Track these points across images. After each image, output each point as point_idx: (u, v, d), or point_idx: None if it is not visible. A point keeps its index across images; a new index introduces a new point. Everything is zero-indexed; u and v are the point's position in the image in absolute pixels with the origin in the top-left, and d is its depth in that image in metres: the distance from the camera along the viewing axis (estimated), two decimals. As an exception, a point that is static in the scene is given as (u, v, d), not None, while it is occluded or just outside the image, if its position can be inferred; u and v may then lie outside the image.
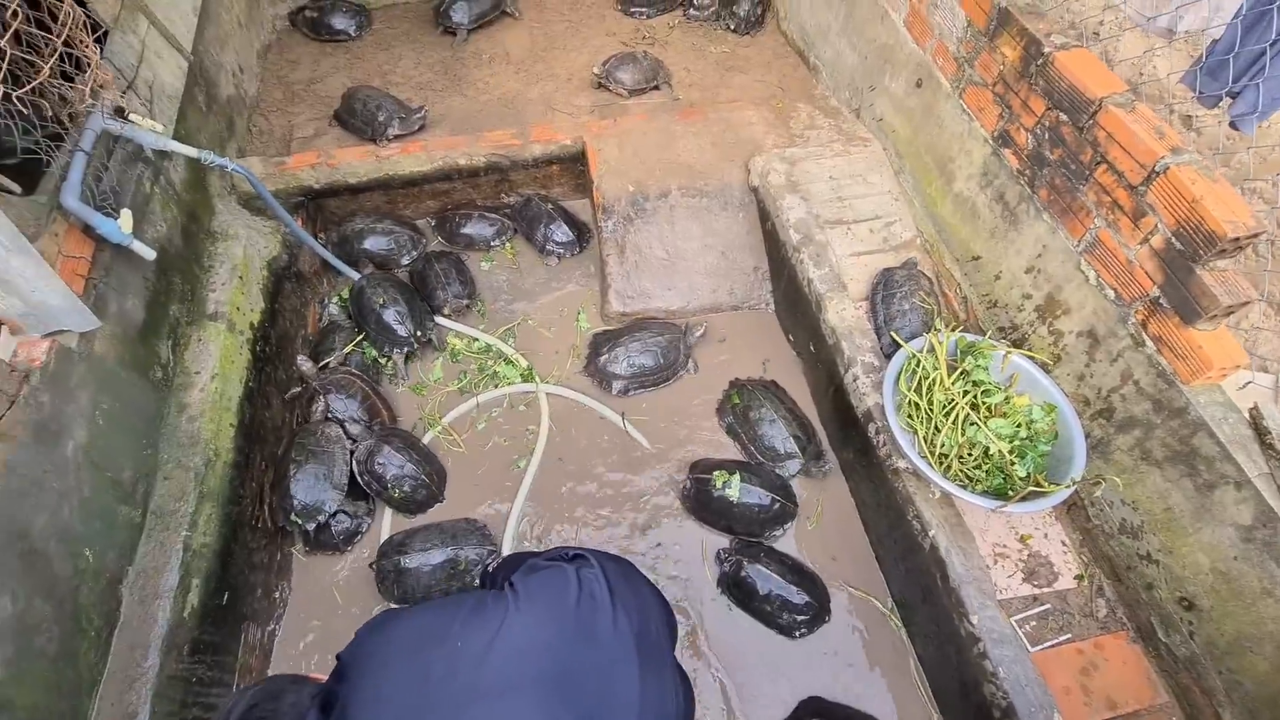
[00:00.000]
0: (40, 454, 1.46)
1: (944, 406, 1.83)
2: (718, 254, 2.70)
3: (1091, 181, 1.68)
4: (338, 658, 1.10)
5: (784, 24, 3.34)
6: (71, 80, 1.68)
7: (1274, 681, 1.44)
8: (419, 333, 2.49)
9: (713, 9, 3.42)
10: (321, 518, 2.07)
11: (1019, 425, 1.77)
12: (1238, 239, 1.37)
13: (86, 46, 1.46)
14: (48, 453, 1.48)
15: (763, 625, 2.03)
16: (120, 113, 1.85)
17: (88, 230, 1.73)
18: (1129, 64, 2.20)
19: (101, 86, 1.53)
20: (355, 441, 2.22)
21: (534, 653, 1.02)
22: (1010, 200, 1.98)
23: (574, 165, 2.90)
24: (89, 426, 1.61)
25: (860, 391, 2.04)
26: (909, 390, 1.88)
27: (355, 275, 2.62)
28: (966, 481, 1.77)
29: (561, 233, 2.83)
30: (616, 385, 2.47)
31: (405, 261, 2.79)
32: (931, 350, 1.91)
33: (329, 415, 2.26)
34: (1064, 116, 1.73)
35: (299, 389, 2.38)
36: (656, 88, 3.07)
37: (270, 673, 1.95)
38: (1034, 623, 1.75)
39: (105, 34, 2.01)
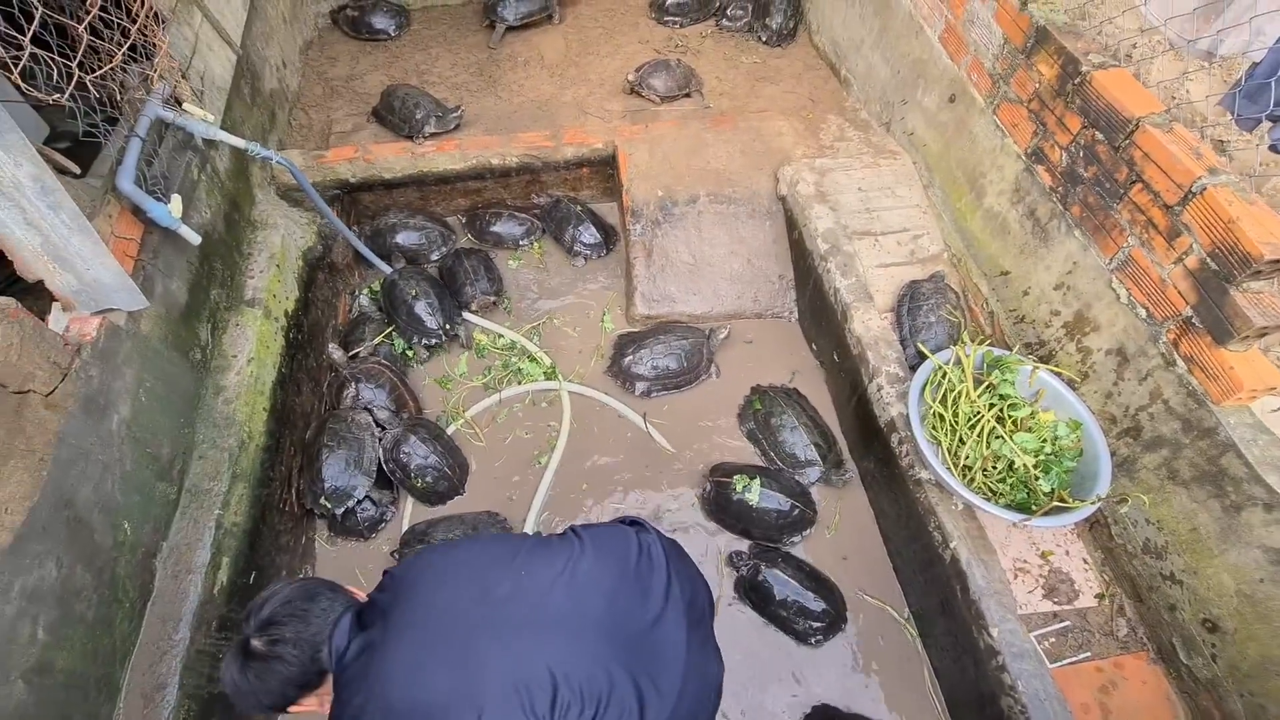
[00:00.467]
0: (88, 426, 1.50)
1: (969, 419, 1.83)
2: (743, 261, 2.73)
3: (1126, 200, 1.69)
4: (386, 573, 1.14)
5: (816, 37, 3.38)
6: (130, 65, 1.74)
7: (1298, 707, 1.43)
8: (448, 326, 2.53)
9: (745, 20, 3.46)
10: (350, 502, 2.11)
11: (1044, 440, 1.77)
12: (1275, 260, 1.37)
13: (156, 35, 1.52)
14: (95, 425, 1.53)
15: (778, 630, 2.04)
16: (175, 101, 1.91)
17: (138, 213, 1.78)
18: (1162, 86, 2.21)
19: (165, 73, 1.58)
20: (383, 429, 2.26)
21: (596, 597, 1.07)
22: (1041, 217, 1.99)
23: (604, 168, 2.95)
24: (132, 402, 1.66)
25: (884, 402, 2.05)
26: (934, 402, 1.89)
27: (388, 269, 2.67)
28: (989, 494, 1.78)
29: (589, 234, 2.87)
30: (639, 386, 2.49)
31: (435, 257, 2.84)
32: (958, 363, 1.92)
33: (358, 403, 2.30)
34: (1100, 135, 1.74)
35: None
36: (688, 95, 3.11)
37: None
38: (1053, 639, 1.75)
39: (163, 20, 2.07)
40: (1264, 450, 1.45)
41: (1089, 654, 1.73)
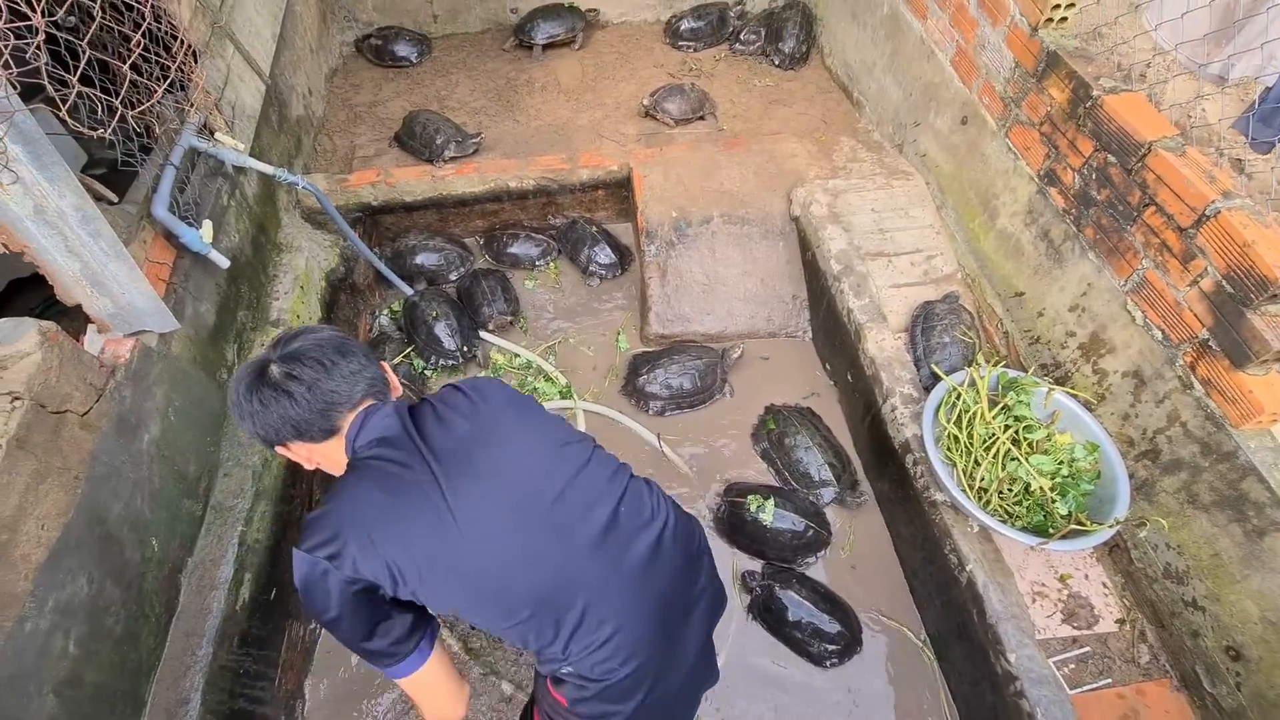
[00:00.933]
0: (120, 444, 1.55)
1: (984, 441, 1.83)
2: (757, 281, 2.75)
3: (1139, 222, 1.69)
4: (455, 388, 1.21)
5: (828, 60, 3.42)
6: (166, 97, 1.82)
7: (1328, 739, 1.40)
8: (465, 348, 2.58)
9: (759, 44, 3.52)
10: None
11: (1061, 463, 1.76)
12: (1291, 284, 1.37)
13: (193, 71, 1.59)
14: (126, 444, 1.58)
15: (792, 652, 2.03)
16: (208, 131, 1.99)
17: (171, 238, 1.85)
18: (1177, 108, 2.21)
19: (201, 106, 1.65)
20: None
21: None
22: (1055, 238, 1.99)
23: (619, 190, 3.00)
24: (162, 421, 1.71)
25: (899, 422, 2.05)
26: (949, 424, 1.89)
27: (409, 290, 2.74)
28: (1006, 517, 1.77)
29: (604, 255, 2.91)
30: (654, 405, 2.51)
31: (453, 277, 2.90)
32: (972, 384, 1.92)
33: None
34: (1112, 158, 1.75)
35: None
36: (702, 118, 3.16)
37: (310, 669, 2.01)
38: (1073, 665, 1.72)
39: (198, 55, 2.16)
40: (1285, 475, 1.44)
41: (1110, 680, 1.70)
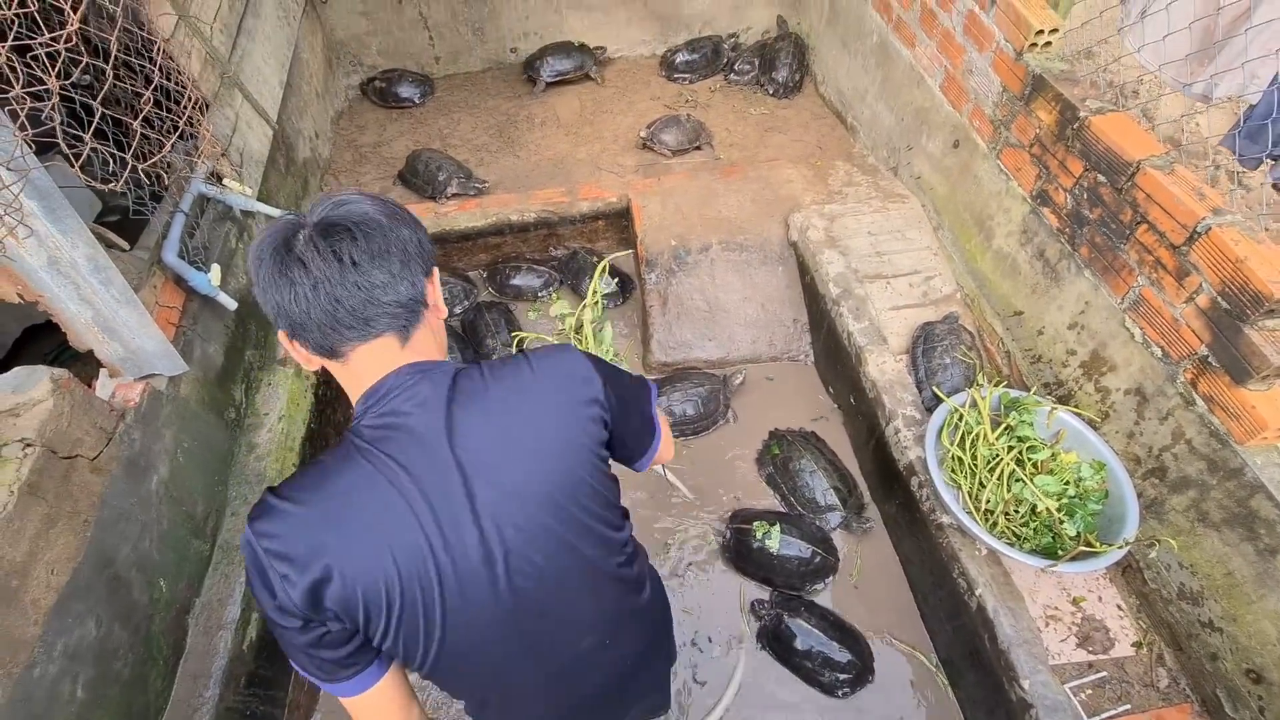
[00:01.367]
0: (129, 487, 1.58)
1: (988, 462, 1.82)
2: (757, 306, 2.77)
3: (1132, 240, 1.70)
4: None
5: (821, 87, 3.48)
6: (176, 147, 1.89)
7: (1356, 765, 1.36)
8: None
9: (753, 74, 3.59)
10: None
11: (1067, 482, 1.75)
12: (1286, 299, 1.37)
13: (201, 124, 1.65)
14: (135, 486, 1.60)
15: (803, 682, 2.00)
16: (216, 177, 2.05)
17: (180, 282, 1.90)
18: (1173, 123, 2.24)
19: (209, 155, 1.71)
20: None
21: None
22: (1051, 257, 2.00)
23: (619, 221, 3.04)
24: (170, 463, 1.74)
25: (902, 445, 2.04)
26: (952, 445, 1.88)
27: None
28: (1014, 539, 1.75)
29: (605, 285, 2.94)
30: (657, 433, 2.52)
31: (458, 311, 2.94)
32: (974, 405, 1.91)
33: None
34: (1102, 178, 1.77)
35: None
36: (699, 148, 3.22)
37: (318, 709, 2.00)
38: (1089, 691, 1.69)
39: (207, 106, 2.24)
40: (1294, 491, 1.42)
41: (1128, 706, 1.66)
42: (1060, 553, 1.68)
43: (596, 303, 2.07)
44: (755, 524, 2.15)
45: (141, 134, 1.39)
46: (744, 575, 2.21)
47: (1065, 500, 1.73)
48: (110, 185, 1.37)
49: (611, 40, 3.70)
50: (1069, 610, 1.81)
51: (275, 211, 2.16)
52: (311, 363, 0.85)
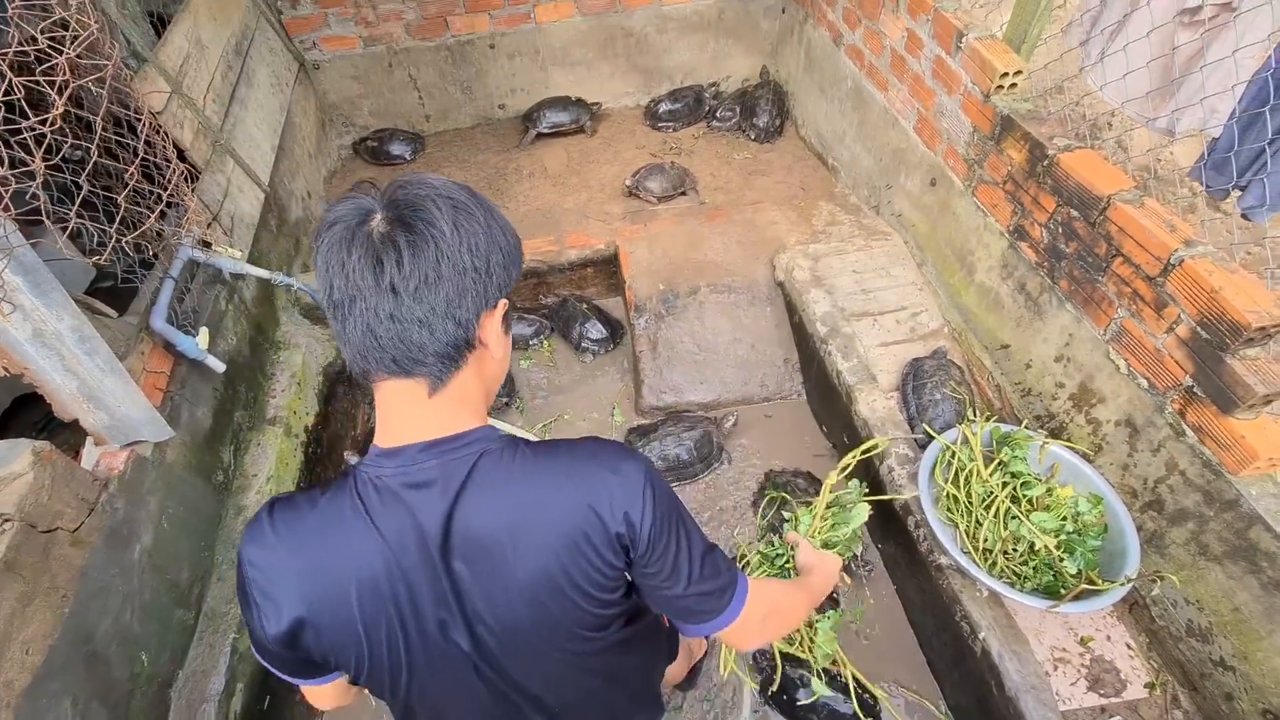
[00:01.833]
0: (111, 558, 1.56)
1: (984, 499, 1.80)
2: (747, 347, 2.78)
3: (1110, 273, 1.72)
4: None
5: (802, 130, 3.57)
6: (165, 217, 1.93)
7: (1386, 811, 1.30)
8: None
9: (735, 120, 3.68)
10: None
11: (1064, 518, 1.72)
12: (1264, 328, 1.37)
13: (186, 195, 1.69)
14: (117, 557, 1.58)
15: (809, 736, 1.92)
16: (205, 243, 2.09)
17: (169, 347, 1.91)
18: (1148, 153, 2.28)
19: (195, 225, 1.74)
20: None
21: None
22: (1032, 291, 2.01)
23: (607, 267, 3.08)
24: (155, 530, 1.72)
25: (896, 484, 2.02)
26: (945, 483, 1.86)
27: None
28: (1014, 579, 1.71)
29: (596, 330, 2.96)
30: (651, 479, 2.49)
31: (449, 362, 2.95)
32: (966, 441, 1.90)
33: None
34: (1075, 212, 1.79)
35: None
36: (684, 193, 3.28)
37: (305, 783, 1.93)
38: (1104, 737, 1.62)
39: (198, 174, 2.30)
40: (1292, 522, 1.40)
41: (1146, 753, 1.60)
42: (1063, 591, 1.64)
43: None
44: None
45: (126, 207, 1.42)
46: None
47: (1064, 537, 1.70)
48: (96, 258, 1.39)
49: (596, 93, 3.81)
50: (1077, 651, 1.76)
51: (264, 274, 2.19)
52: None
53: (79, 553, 1.47)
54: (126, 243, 1.44)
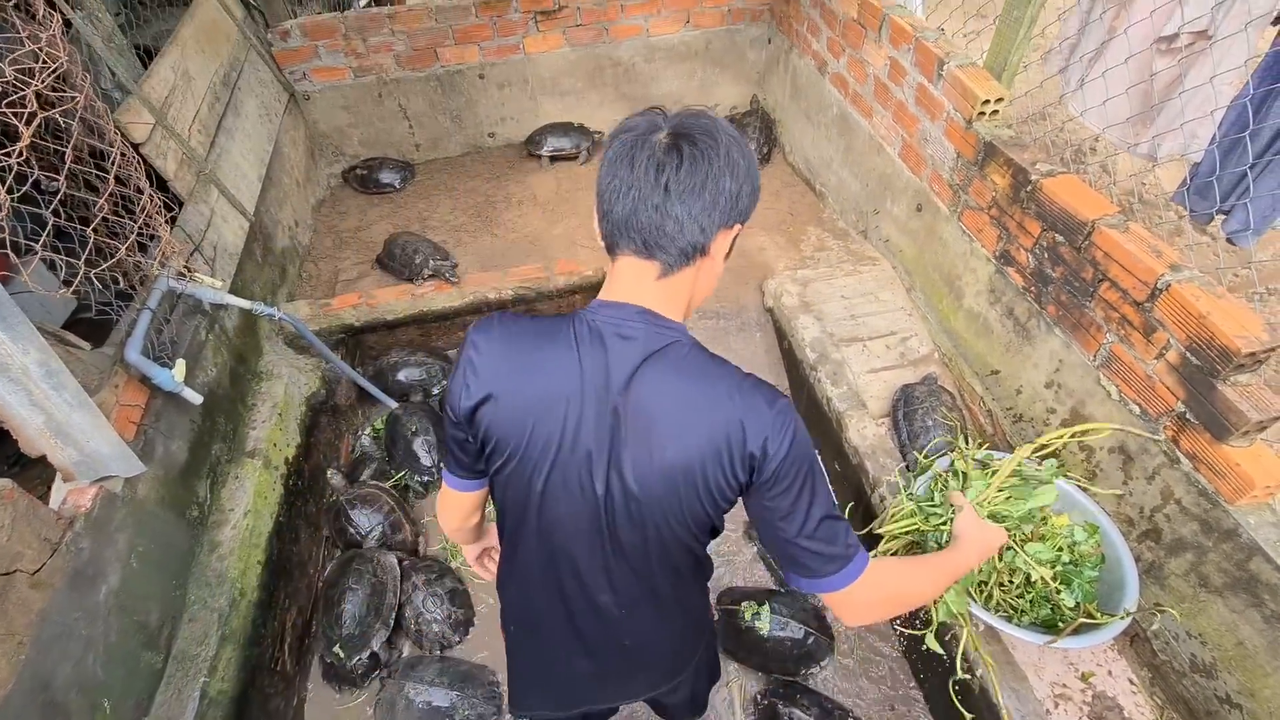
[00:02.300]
0: (74, 601, 1.50)
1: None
2: (737, 373, 2.75)
3: (1097, 298, 1.70)
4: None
5: (790, 157, 3.59)
6: (146, 248, 1.91)
7: None
8: (441, 464, 2.56)
9: (723, 147, 3.70)
10: (365, 653, 2.04)
11: (1060, 549, 1.67)
12: (1254, 354, 1.35)
13: (160, 228, 1.67)
14: (80, 599, 1.52)
15: (804, 779, 1.85)
16: (186, 271, 2.06)
17: (144, 379, 1.87)
18: (1133, 177, 2.29)
19: (170, 256, 1.72)
20: (408, 565, 2.23)
21: None
22: (1020, 316, 2.00)
23: (596, 293, 3.05)
24: (123, 570, 1.66)
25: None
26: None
27: (393, 404, 2.75)
28: (1011, 612, 1.66)
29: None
30: (640, 509, 2.44)
31: (436, 391, 2.91)
32: (957, 470, 1.86)
33: (358, 533, 2.30)
34: (1060, 237, 1.78)
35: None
36: (672, 220, 3.28)
37: (277, 835, 1.84)
38: (1109, 779, 1.56)
39: (181, 204, 2.28)
40: (1292, 552, 1.36)
41: (1153, 796, 1.53)
42: (1061, 625, 1.59)
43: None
44: (744, 604, 2.06)
45: (96, 239, 1.40)
46: (733, 659, 2.09)
47: (1060, 568, 1.65)
48: (63, 291, 1.36)
49: (585, 121, 3.84)
50: (1078, 688, 1.70)
51: (245, 304, 2.16)
52: (599, 239, 0.92)
53: (39, 596, 1.41)
54: (98, 275, 1.40)
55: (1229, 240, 1.55)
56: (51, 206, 1.29)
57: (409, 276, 2.94)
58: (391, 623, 2.11)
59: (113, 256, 1.45)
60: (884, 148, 2.62)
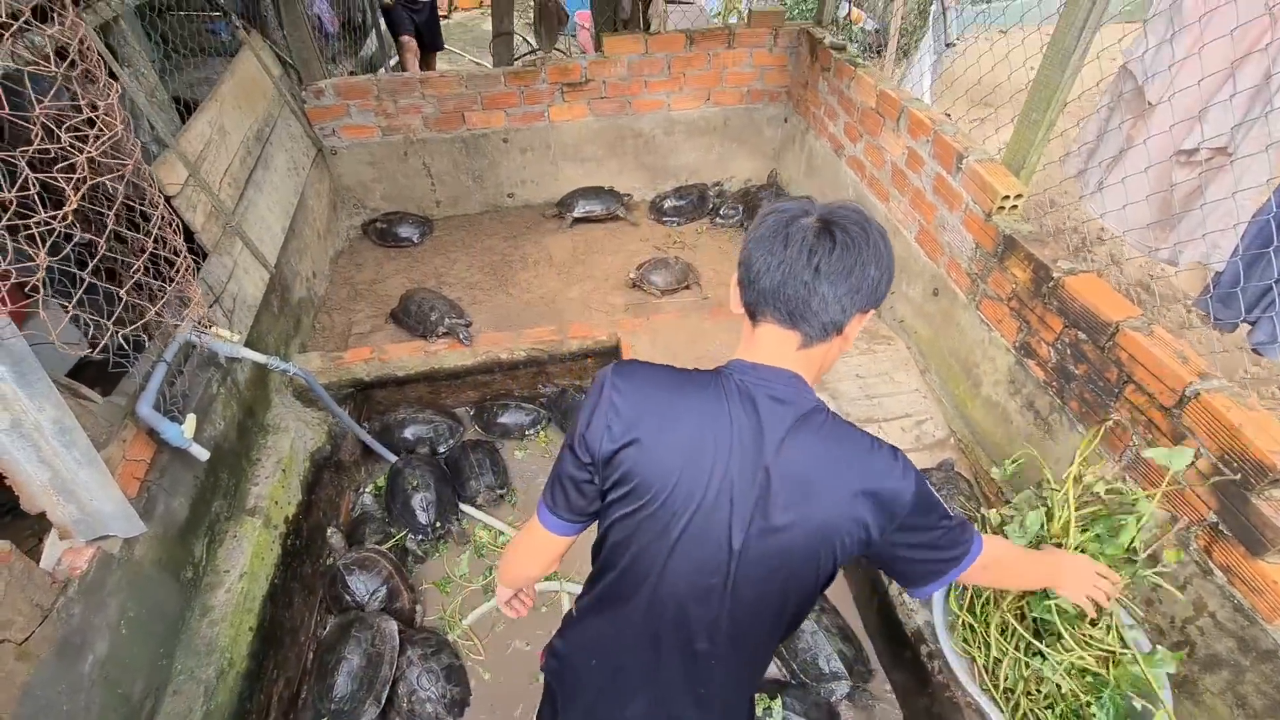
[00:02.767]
0: (59, 672, 1.42)
1: (1001, 629, 1.69)
2: (749, 446, 2.72)
3: (1122, 399, 1.70)
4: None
5: (803, 231, 3.66)
6: (169, 304, 1.90)
7: None
8: (438, 523, 2.51)
9: (738, 218, 3.78)
10: None
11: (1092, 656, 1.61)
12: (1289, 470, 1.33)
13: (191, 287, 1.66)
14: (66, 670, 1.44)
15: None
16: (204, 325, 2.05)
17: (152, 434, 1.83)
18: (1144, 268, 2.33)
19: (199, 319, 1.71)
20: (404, 637, 2.14)
21: None
22: (1041, 409, 1.99)
23: (608, 358, 3.05)
24: (111, 638, 1.58)
25: (908, 607, 1.91)
26: (960, 610, 1.76)
27: (393, 458, 2.71)
28: (1039, 725, 1.59)
29: (595, 422, 2.90)
30: (647, 586, 2.37)
31: (443, 450, 2.86)
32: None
33: (354, 600, 2.21)
34: (1083, 335, 1.79)
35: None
36: (687, 287, 3.32)
37: None
38: None
39: (206, 255, 2.29)
40: (1337, 680, 1.31)
41: None
42: (1092, 744, 1.52)
43: None
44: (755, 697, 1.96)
45: (129, 301, 1.39)
46: (743, 758, 1.98)
47: (1091, 678, 1.59)
48: (89, 352, 1.34)
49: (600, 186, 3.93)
50: (1110, 810, 1.61)
51: (262, 358, 2.15)
52: (734, 308, 0.99)
53: (25, 667, 1.34)
54: (125, 335, 1.39)
55: (1255, 350, 1.56)
56: (90, 267, 1.29)
57: (423, 334, 2.94)
58: (384, 699, 2.00)
59: (143, 317, 1.44)
60: (900, 231, 2.67)
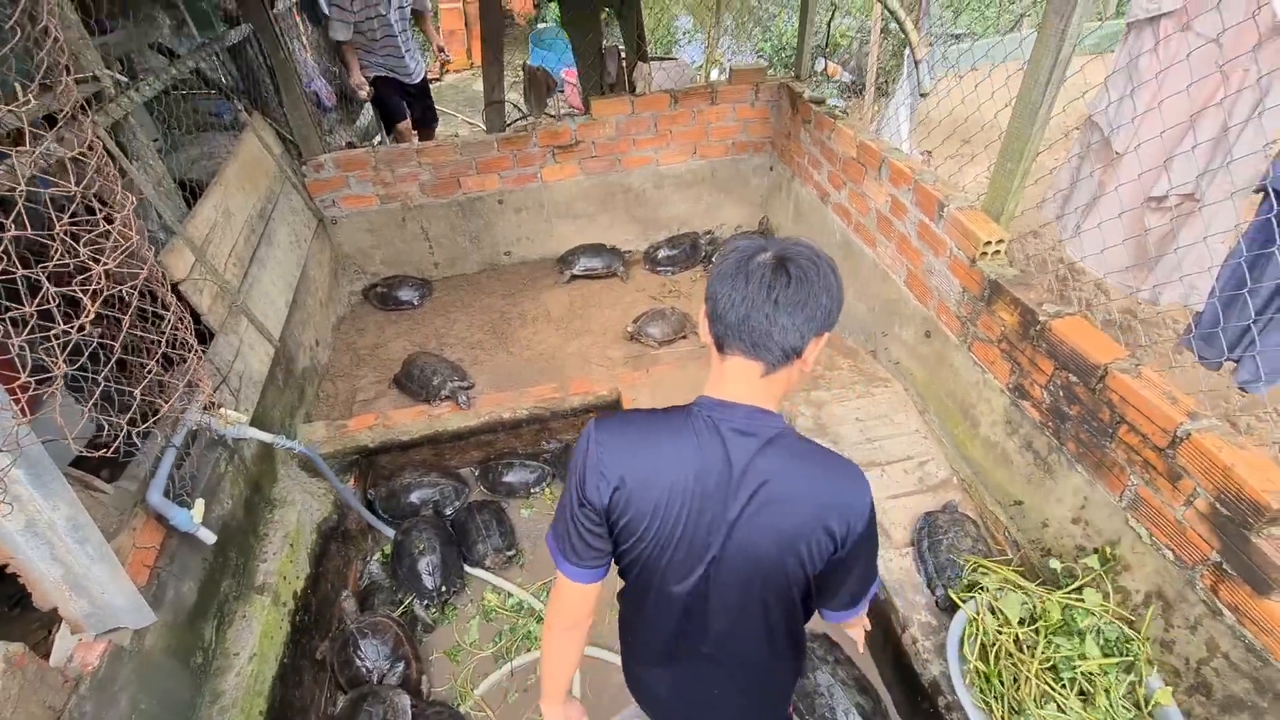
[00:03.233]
0: (69, 776, 1.41)
1: (1015, 677, 1.68)
2: (754, 495, 2.72)
3: (1117, 439, 1.72)
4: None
5: (794, 275, 3.73)
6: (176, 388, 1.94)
7: None
8: (444, 588, 2.50)
9: (729, 265, 3.86)
10: None
11: (1110, 705, 1.60)
12: (1285, 509, 1.35)
13: (203, 380, 1.71)
14: (77, 773, 1.43)
15: None
16: (211, 407, 2.09)
17: (161, 520, 1.85)
18: (1131, 295, 2.37)
19: (208, 404, 1.75)
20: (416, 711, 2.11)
21: None
22: (1040, 450, 2.01)
23: (610, 411, 3.09)
24: (122, 734, 1.57)
25: (922, 658, 1.90)
26: (974, 659, 1.75)
27: (390, 533, 2.72)
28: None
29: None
30: (659, 645, 2.35)
31: (449, 512, 2.87)
32: (991, 609, 1.81)
33: (364, 664, 2.19)
34: (1074, 377, 1.83)
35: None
36: (684, 337, 3.37)
37: None
38: None
39: (212, 335, 2.35)
40: (1357, 722, 1.30)
41: None
42: (1118, 794, 1.50)
43: None
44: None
45: (142, 399, 1.43)
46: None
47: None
48: (102, 453, 1.38)
49: (595, 240, 4.02)
50: None
51: (268, 438, 2.18)
52: (704, 338, 1.07)
53: (36, 773, 1.33)
54: (138, 433, 1.43)
55: (1241, 389, 1.59)
56: (104, 371, 1.33)
57: (426, 398, 2.97)
58: (396, 782, 1.97)
59: (153, 408, 1.48)
60: (889, 276, 2.73)
